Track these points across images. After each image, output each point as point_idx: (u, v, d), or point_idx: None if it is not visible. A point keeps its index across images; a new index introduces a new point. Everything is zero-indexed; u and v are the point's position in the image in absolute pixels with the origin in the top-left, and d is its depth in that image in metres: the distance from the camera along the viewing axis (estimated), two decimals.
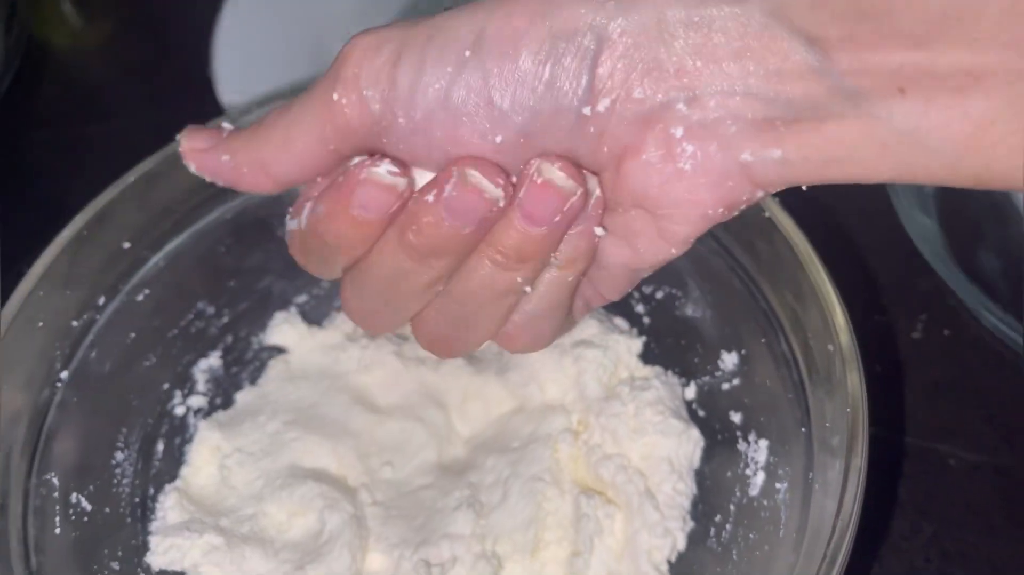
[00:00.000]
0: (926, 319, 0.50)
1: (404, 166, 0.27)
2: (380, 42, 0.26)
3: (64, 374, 0.39)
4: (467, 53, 0.25)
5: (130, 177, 0.41)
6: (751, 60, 0.24)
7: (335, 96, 0.26)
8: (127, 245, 0.42)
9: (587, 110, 0.26)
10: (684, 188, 0.26)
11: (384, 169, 0.27)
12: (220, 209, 0.45)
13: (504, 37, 0.25)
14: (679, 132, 0.26)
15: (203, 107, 0.56)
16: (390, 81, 0.26)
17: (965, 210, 0.52)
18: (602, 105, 0.26)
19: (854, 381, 0.34)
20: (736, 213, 0.28)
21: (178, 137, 0.30)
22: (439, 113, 0.26)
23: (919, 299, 0.51)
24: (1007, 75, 0.23)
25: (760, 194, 0.27)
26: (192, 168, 0.30)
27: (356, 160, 0.28)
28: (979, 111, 0.23)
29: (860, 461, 0.32)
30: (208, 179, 0.30)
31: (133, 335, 0.42)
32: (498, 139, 0.26)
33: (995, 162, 0.24)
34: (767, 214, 0.38)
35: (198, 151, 0.29)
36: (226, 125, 0.30)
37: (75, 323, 0.40)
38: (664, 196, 0.27)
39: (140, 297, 0.42)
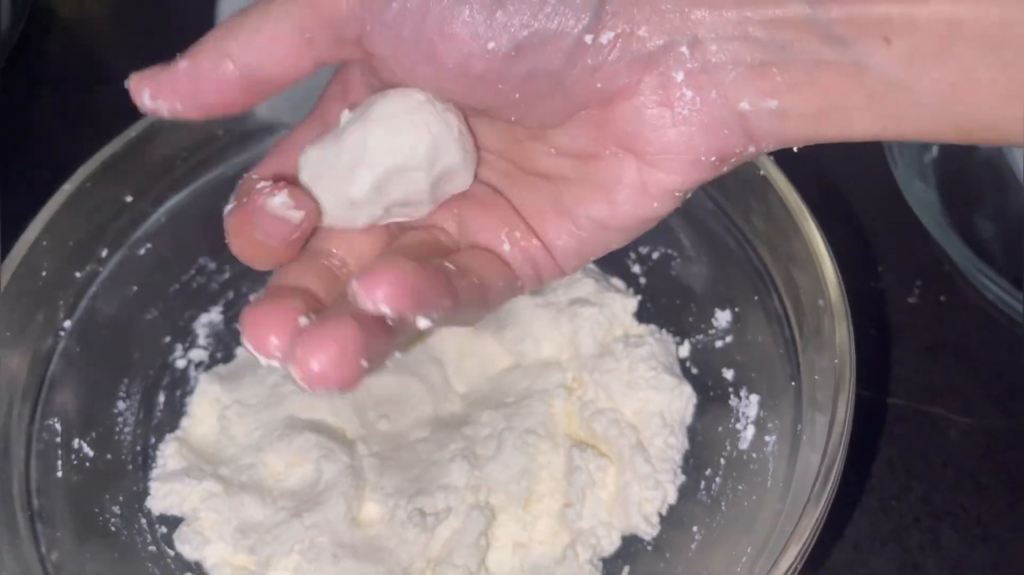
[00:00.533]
0: (922, 285, 0.51)
1: (302, 197, 0.27)
2: None
3: (67, 323, 0.40)
4: None
5: (132, 131, 0.41)
6: (749, 7, 0.25)
7: None
8: (129, 199, 0.42)
9: (588, 38, 0.25)
10: (679, 133, 0.26)
11: (278, 201, 0.27)
12: (223, 166, 0.45)
13: None
14: (679, 76, 0.26)
15: None
16: None
17: (963, 177, 0.53)
18: (605, 37, 0.25)
19: (842, 334, 0.34)
20: (726, 169, 0.27)
21: (127, 83, 0.27)
22: (433, 3, 0.25)
23: (916, 265, 0.51)
24: (988, 26, 0.23)
25: (752, 149, 0.27)
26: (145, 100, 0.27)
27: (262, 184, 0.28)
28: (961, 61, 0.24)
29: (845, 412, 0.32)
30: (165, 110, 0.27)
31: (135, 288, 0.43)
32: (490, 45, 0.25)
33: (977, 112, 0.25)
34: (762, 173, 0.39)
35: (150, 76, 0.27)
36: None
37: (78, 274, 0.41)
38: (657, 140, 0.27)
39: (142, 251, 0.43)
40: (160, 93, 0.27)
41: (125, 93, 0.63)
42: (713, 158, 0.27)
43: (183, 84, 0.27)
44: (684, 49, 0.25)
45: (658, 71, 0.26)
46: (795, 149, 0.28)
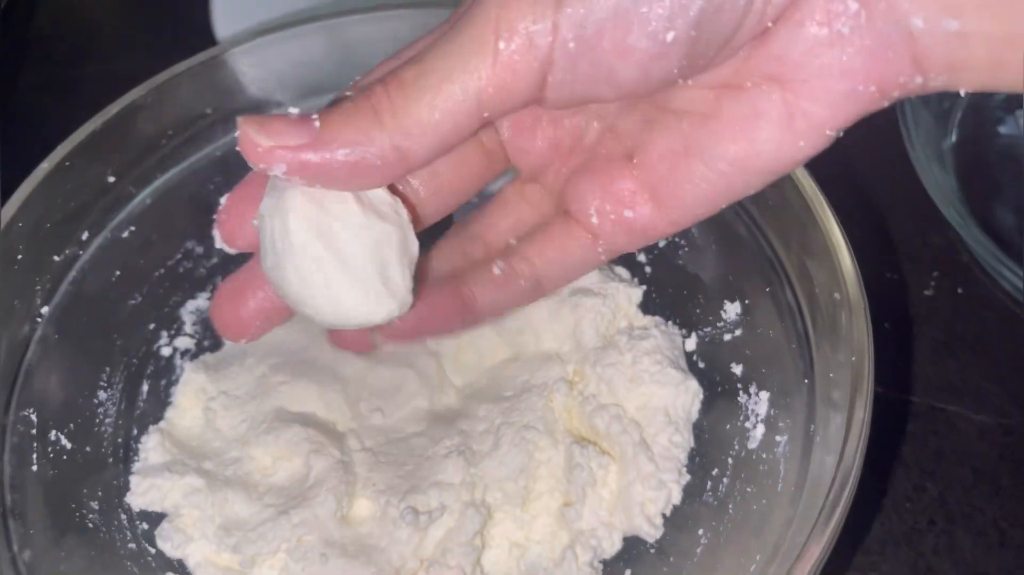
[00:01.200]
0: (938, 276, 0.49)
1: None
2: None
3: (45, 309, 0.38)
4: None
5: (113, 108, 0.39)
6: None
7: (501, 45, 0.23)
8: (112, 179, 0.40)
9: None
10: (835, 54, 0.23)
11: None
12: (209, 146, 0.43)
13: None
14: None
15: (201, 47, 0.54)
16: (558, 4, 0.23)
17: (983, 163, 0.51)
18: None
19: (860, 330, 0.32)
20: (886, 104, 0.24)
21: (250, 132, 0.24)
22: (609, 21, 0.23)
23: (932, 255, 0.49)
24: None
25: (919, 80, 0.23)
26: (279, 170, 0.24)
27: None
28: None
29: (863, 413, 0.31)
30: (308, 181, 0.25)
31: (118, 273, 0.41)
32: (669, 36, 0.23)
33: None
34: None
35: (292, 149, 0.24)
36: (293, 111, 0.26)
37: (57, 258, 0.39)
38: (809, 62, 0.24)
39: (126, 234, 0.41)
40: (308, 173, 0.25)
41: (115, 69, 0.61)
42: (872, 88, 0.24)
43: (342, 171, 0.25)
44: None
45: None
46: (962, 93, 0.24)
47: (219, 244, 0.30)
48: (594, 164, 0.30)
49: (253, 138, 0.24)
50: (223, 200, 0.29)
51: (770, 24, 0.24)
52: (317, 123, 0.24)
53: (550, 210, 0.32)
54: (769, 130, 0.25)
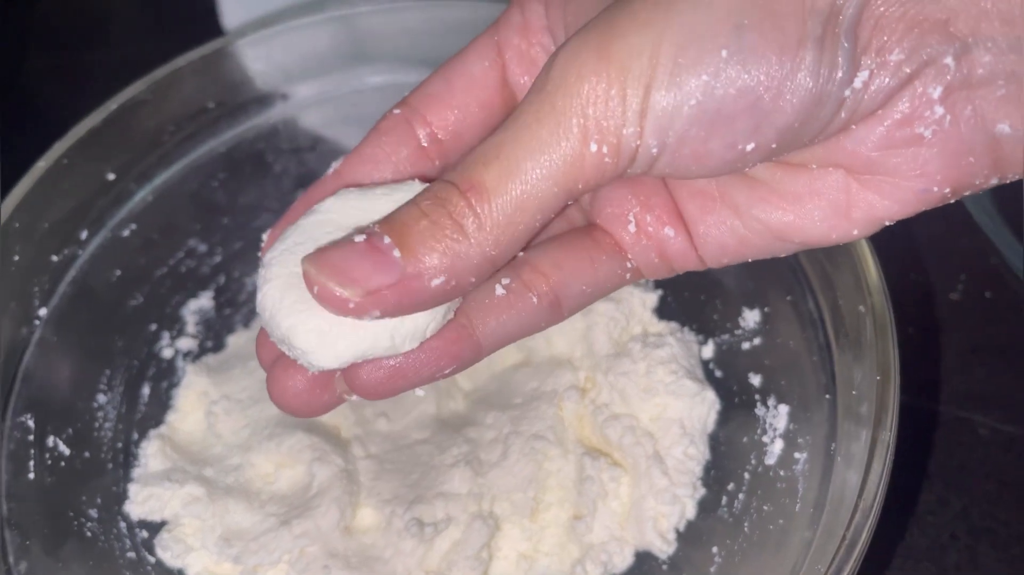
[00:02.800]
0: (966, 279, 0.47)
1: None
2: (622, 62, 0.21)
3: (43, 311, 0.37)
4: (724, 53, 0.21)
5: (112, 104, 0.38)
6: None
7: (592, 148, 0.22)
8: (112, 177, 0.39)
9: (848, 91, 0.22)
10: (912, 156, 0.22)
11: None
12: (213, 142, 0.42)
13: (766, 24, 0.21)
14: (937, 92, 0.22)
15: (207, 34, 0.53)
16: (644, 110, 0.22)
17: None
18: (859, 80, 0.22)
19: (886, 346, 0.31)
20: (952, 200, 0.23)
21: (331, 286, 0.22)
22: (693, 130, 0.22)
23: (960, 257, 0.47)
24: None
25: (994, 181, 0.23)
26: (373, 316, 0.22)
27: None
28: None
29: (888, 435, 0.29)
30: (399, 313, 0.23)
31: (119, 272, 0.40)
32: (749, 147, 0.22)
33: None
34: None
35: (383, 296, 0.22)
36: (359, 239, 0.22)
37: (55, 258, 0.38)
38: (884, 161, 0.23)
39: (126, 232, 0.40)
40: (402, 308, 0.23)
41: (121, 55, 0.59)
42: (947, 190, 0.23)
43: (430, 296, 0.23)
44: (949, 60, 0.22)
45: (913, 86, 0.22)
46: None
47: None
48: (632, 179, 0.27)
49: (336, 292, 0.22)
50: (265, 237, 0.27)
51: (853, 127, 0.23)
52: (396, 251, 0.22)
53: (579, 218, 0.29)
54: (822, 212, 0.24)
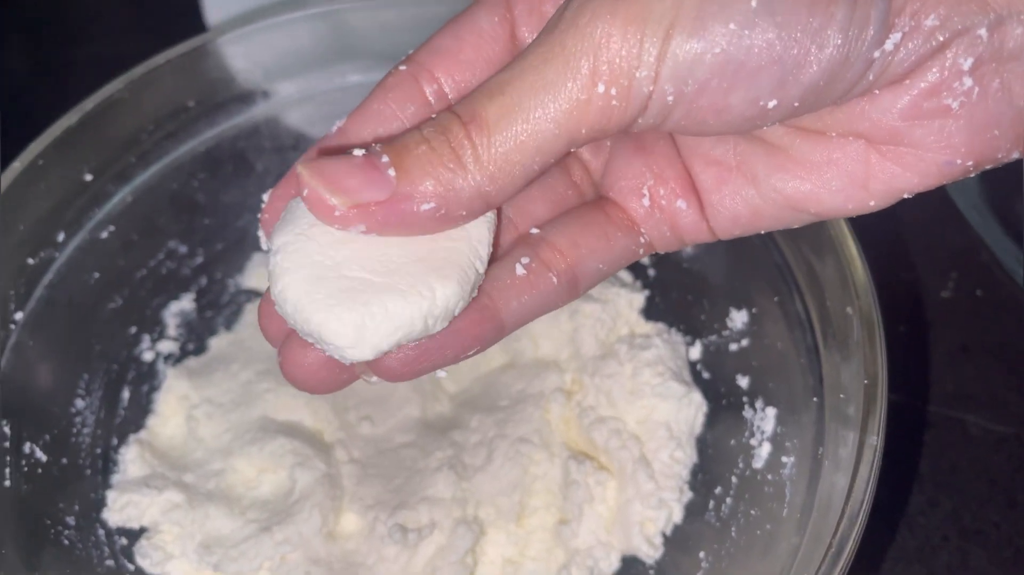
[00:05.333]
0: (957, 277, 0.47)
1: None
2: (643, 4, 0.21)
3: (19, 315, 0.36)
4: (754, 2, 0.20)
5: (89, 103, 0.37)
6: None
7: (600, 88, 0.21)
8: (89, 178, 0.39)
9: (877, 53, 0.21)
10: (938, 128, 0.22)
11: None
12: (193, 141, 0.42)
13: None
14: (968, 63, 0.21)
15: (190, 30, 0.52)
16: (663, 55, 0.21)
17: None
18: (891, 42, 0.21)
19: (874, 349, 0.31)
20: (973, 174, 0.23)
21: (320, 190, 0.22)
22: (714, 80, 0.21)
23: (950, 254, 0.47)
24: None
25: (1016, 155, 0.22)
26: (358, 230, 0.22)
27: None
28: None
29: (876, 439, 0.29)
30: (385, 233, 0.23)
31: (97, 275, 0.39)
32: (771, 104, 0.21)
33: None
34: None
35: (371, 209, 0.22)
36: (358, 153, 0.21)
37: (31, 260, 0.37)
38: (907, 131, 0.22)
39: (105, 234, 0.39)
40: (390, 226, 0.22)
41: (105, 52, 0.58)
42: (970, 162, 0.22)
43: (427, 223, 0.23)
44: (983, 31, 0.21)
45: (945, 56, 0.21)
46: None
47: (264, 246, 0.26)
48: (645, 149, 0.27)
49: (325, 198, 0.22)
50: (265, 198, 0.26)
51: (877, 92, 0.22)
52: (391, 170, 0.22)
53: (590, 191, 0.28)
54: (841, 182, 0.23)
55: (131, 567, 0.35)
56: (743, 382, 0.37)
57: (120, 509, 0.36)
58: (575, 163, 0.28)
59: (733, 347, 0.38)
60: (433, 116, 0.23)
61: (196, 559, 0.35)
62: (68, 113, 0.38)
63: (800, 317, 0.35)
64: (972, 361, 0.44)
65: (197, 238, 0.42)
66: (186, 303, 0.42)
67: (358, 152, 0.22)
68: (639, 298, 0.40)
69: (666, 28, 0.21)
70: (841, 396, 0.31)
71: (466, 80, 0.25)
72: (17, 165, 0.36)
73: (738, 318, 0.38)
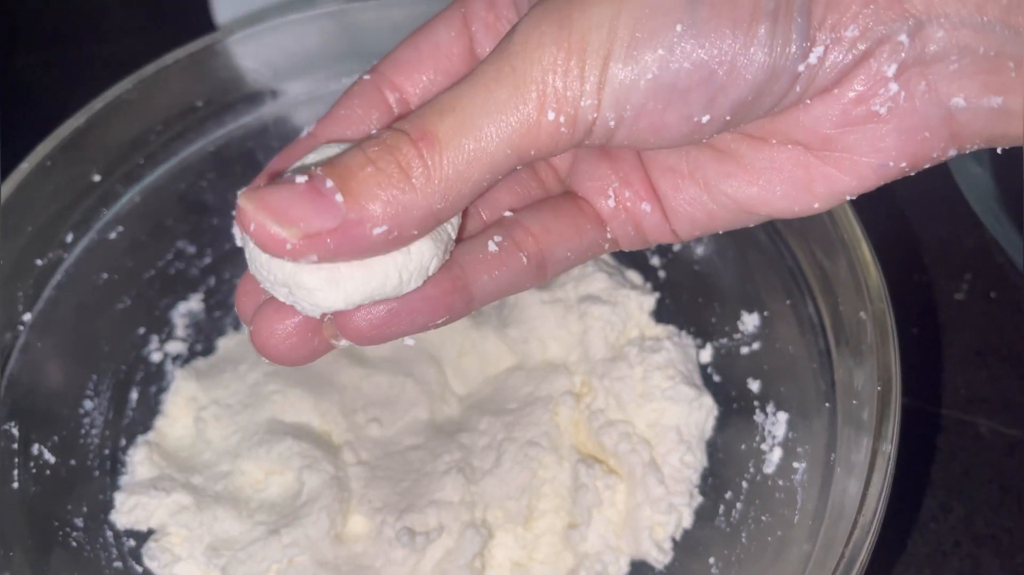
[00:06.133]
0: (971, 279, 0.46)
1: None
2: (582, 34, 0.22)
3: (27, 316, 0.36)
4: (679, 27, 0.21)
5: (97, 104, 0.37)
6: None
7: (549, 116, 0.22)
8: (97, 178, 0.38)
9: (802, 67, 0.22)
10: (869, 133, 0.23)
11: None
12: (202, 141, 0.41)
13: None
14: (891, 70, 0.22)
15: (200, 29, 0.52)
16: (602, 83, 0.22)
17: (1022, 158, 0.48)
18: (814, 56, 0.22)
19: (887, 354, 0.30)
20: (912, 174, 0.24)
21: (267, 224, 0.21)
22: (650, 103, 0.22)
23: (964, 256, 0.47)
24: None
25: (952, 152, 0.23)
26: (310, 261, 0.22)
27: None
28: None
29: (890, 447, 0.28)
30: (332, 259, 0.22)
31: (105, 276, 0.39)
32: (704, 119, 0.22)
33: None
34: None
35: (321, 240, 0.21)
36: (300, 180, 0.21)
37: (39, 262, 0.37)
38: (840, 138, 0.23)
39: (113, 235, 0.39)
40: (341, 254, 0.22)
41: (112, 50, 0.58)
42: (904, 164, 0.23)
43: (370, 245, 0.22)
44: (903, 38, 0.22)
45: (867, 64, 0.22)
46: (999, 150, 0.24)
47: (239, 243, 0.25)
48: (609, 154, 0.28)
49: (273, 231, 0.21)
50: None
51: (808, 101, 0.23)
52: (337, 195, 0.21)
53: (556, 188, 0.29)
54: (785, 187, 0.24)
55: (139, 569, 0.35)
56: (754, 386, 0.37)
57: (128, 511, 0.36)
58: (540, 163, 0.29)
59: (744, 350, 0.38)
60: (373, 133, 0.23)
61: (204, 561, 0.35)
62: (76, 114, 0.38)
63: (812, 321, 0.35)
64: (985, 364, 0.44)
65: (206, 238, 0.42)
66: (194, 303, 0.42)
67: (300, 179, 0.21)
68: (650, 300, 0.40)
69: (604, 57, 0.21)
70: (854, 402, 0.31)
71: (426, 90, 0.26)
72: (25, 166, 0.36)
73: (749, 321, 0.38)
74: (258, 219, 0.21)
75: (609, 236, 0.28)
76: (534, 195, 0.28)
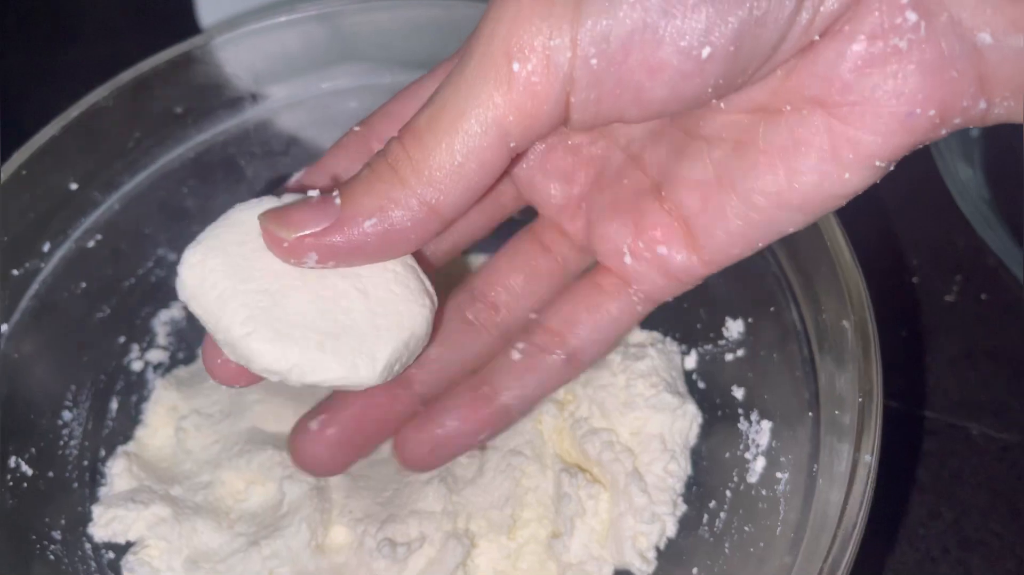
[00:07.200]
0: (961, 281, 0.46)
1: None
2: None
3: (3, 327, 0.36)
4: None
5: (73, 111, 0.37)
6: None
7: (516, 67, 0.20)
8: (74, 186, 0.38)
9: None
10: (891, 72, 0.20)
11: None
12: (182, 147, 0.41)
13: None
14: None
15: (184, 33, 0.52)
16: (576, 16, 0.20)
17: (1012, 159, 0.47)
18: None
19: (869, 364, 0.30)
20: (944, 133, 0.21)
21: (272, 228, 0.24)
22: (636, 34, 0.20)
23: (955, 259, 0.46)
24: None
25: (982, 105, 0.21)
26: (311, 260, 0.23)
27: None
28: None
29: (870, 458, 0.28)
30: (342, 263, 0.24)
31: (84, 285, 0.39)
32: (705, 52, 0.20)
33: None
34: None
35: (318, 236, 0.23)
36: (313, 194, 0.24)
37: (16, 271, 0.37)
38: (858, 82, 0.21)
39: (91, 243, 0.39)
40: (340, 256, 0.24)
41: (97, 54, 0.57)
42: (932, 112, 0.21)
43: (373, 245, 0.23)
44: None
45: None
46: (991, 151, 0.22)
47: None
48: (620, 200, 0.27)
49: (276, 233, 0.23)
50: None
51: (816, 37, 0.21)
52: (338, 199, 0.23)
53: (573, 257, 0.29)
54: (811, 161, 0.22)
55: None
56: (738, 394, 0.37)
57: (106, 524, 0.35)
58: (547, 230, 0.28)
59: (729, 357, 0.38)
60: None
61: (183, 574, 0.35)
62: (52, 122, 0.37)
63: (796, 328, 0.34)
64: (976, 367, 0.43)
65: (186, 246, 0.42)
66: (176, 311, 0.42)
67: (312, 192, 0.24)
68: None
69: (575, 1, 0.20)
70: (836, 411, 0.31)
71: None
72: (0, 175, 0.36)
73: (734, 327, 0.38)
74: (266, 226, 0.23)
75: (637, 298, 0.27)
76: (543, 270, 0.29)
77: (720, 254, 0.26)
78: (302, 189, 0.26)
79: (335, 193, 0.23)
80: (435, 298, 0.26)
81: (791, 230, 0.25)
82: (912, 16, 0.20)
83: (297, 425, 0.29)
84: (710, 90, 0.21)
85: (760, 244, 0.25)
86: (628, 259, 0.27)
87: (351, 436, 0.29)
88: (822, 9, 0.20)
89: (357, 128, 0.27)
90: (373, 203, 0.22)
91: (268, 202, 0.26)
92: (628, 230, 0.26)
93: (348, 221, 0.23)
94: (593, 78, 0.21)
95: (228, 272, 0.25)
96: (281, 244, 0.23)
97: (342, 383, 0.25)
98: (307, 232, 0.23)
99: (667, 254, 0.26)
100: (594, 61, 0.20)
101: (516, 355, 0.27)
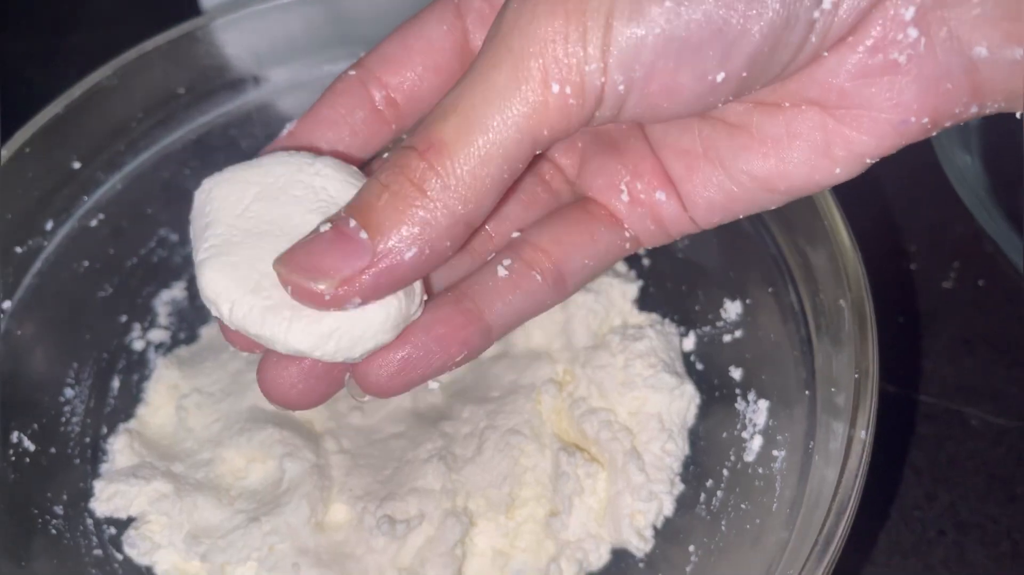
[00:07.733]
0: (959, 267, 0.46)
1: None
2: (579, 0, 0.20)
3: (6, 304, 0.36)
4: None
5: (76, 91, 0.37)
6: None
7: (555, 88, 0.21)
8: (77, 165, 0.38)
9: (817, 13, 0.20)
10: (888, 85, 0.21)
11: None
12: (184, 128, 0.41)
13: None
14: (909, 13, 0.21)
15: (186, 15, 0.52)
16: (607, 45, 0.20)
17: (1011, 147, 0.47)
18: (828, 1, 0.20)
19: (866, 343, 0.30)
20: (934, 133, 0.22)
21: (302, 282, 0.22)
22: (660, 62, 0.21)
23: (953, 245, 0.46)
24: None
25: (974, 109, 0.22)
26: (354, 305, 0.22)
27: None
28: None
29: (865, 435, 0.28)
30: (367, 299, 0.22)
31: (86, 263, 0.39)
32: (719, 77, 0.21)
33: None
34: None
35: (357, 279, 0.21)
36: (324, 228, 0.22)
37: (19, 249, 0.37)
38: (857, 91, 0.22)
39: (94, 222, 0.39)
40: (375, 291, 0.22)
41: (100, 37, 0.58)
42: (925, 120, 0.22)
43: (406, 274, 0.22)
44: None
45: (884, 10, 0.21)
46: (1018, 115, 0.22)
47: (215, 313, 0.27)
48: (619, 146, 0.27)
49: (309, 287, 0.21)
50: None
51: (825, 54, 0.22)
52: (362, 233, 0.21)
53: (566, 192, 0.28)
54: (803, 153, 0.23)
55: (119, 557, 0.35)
56: (736, 374, 0.37)
57: (107, 499, 0.35)
58: (545, 164, 0.28)
59: (727, 338, 0.38)
60: (385, 156, 0.22)
61: (184, 549, 0.35)
62: (55, 101, 0.37)
63: (794, 308, 0.35)
64: (973, 353, 0.44)
65: (188, 226, 0.42)
66: (177, 291, 0.42)
67: (324, 227, 0.22)
68: (633, 288, 0.40)
69: (605, 16, 0.20)
70: (832, 390, 0.31)
71: (415, 87, 0.25)
72: (3, 153, 0.36)
73: (732, 309, 0.38)
74: (293, 280, 0.22)
75: (628, 235, 0.27)
76: (541, 201, 0.28)
77: (702, 219, 0.26)
78: (295, 142, 0.26)
79: (351, 222, 0.21)
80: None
81: (771, 207, 0.25)
82: (913, 32, 0.21)
83: (265, 354, 0.26)
84: (720, 104, 0.22)
85: (740, 215, 0.26)
86: (625, 196, 0.26)
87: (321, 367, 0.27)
88: (831, 32, 0.21)
89: (352, 72, 0.26)
90: (408, 232, 0.21)
91: (300, 158, 0.24)
92: (625, 169, 0.26)
93: (388, 256, 0.21)
94: (619, 98, 0.21)
95: (224, 204, 0.25)
96: (321, 298, 0.21)
97: (269, 343, 0.23)
98: (343, 277, 0.21)
99: (664, 200, 0.26)
100: (621, 87, 0.21)
101: (502, 271, 0.25)
